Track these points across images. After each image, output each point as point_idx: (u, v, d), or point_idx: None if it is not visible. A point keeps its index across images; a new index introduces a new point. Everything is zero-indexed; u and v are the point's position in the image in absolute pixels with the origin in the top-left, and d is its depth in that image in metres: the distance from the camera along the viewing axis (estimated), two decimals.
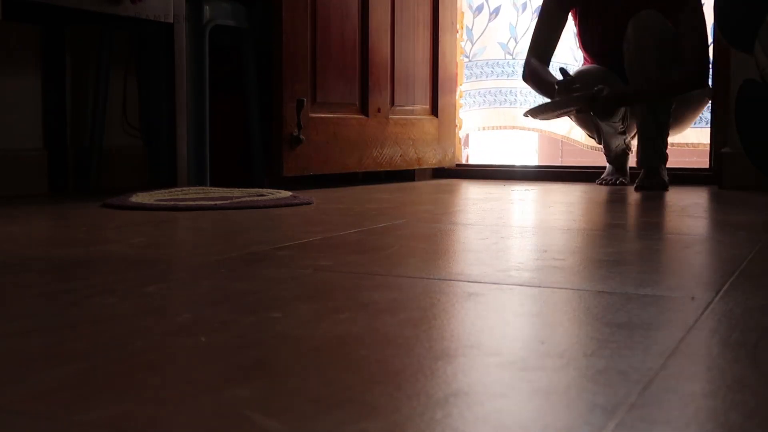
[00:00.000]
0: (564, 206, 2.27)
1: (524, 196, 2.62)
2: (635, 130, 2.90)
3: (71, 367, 0.71)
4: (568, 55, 3.33)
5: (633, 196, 2.62)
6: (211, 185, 2.62)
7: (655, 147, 2.78)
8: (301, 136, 2.72)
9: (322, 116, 2.84)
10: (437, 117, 3.36)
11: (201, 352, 0.76)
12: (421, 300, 0.99)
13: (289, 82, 2.70)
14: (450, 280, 1.13)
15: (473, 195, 2.63)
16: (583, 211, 2.12)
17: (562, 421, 0.58)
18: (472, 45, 3.52)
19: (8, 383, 0.66)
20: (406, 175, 3.32)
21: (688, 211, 2.18)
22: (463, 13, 3.52)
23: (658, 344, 0.78)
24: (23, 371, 0.70)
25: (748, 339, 0.80)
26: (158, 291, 1.05)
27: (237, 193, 2.35)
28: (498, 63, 3.46)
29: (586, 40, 2.97)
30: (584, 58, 3.04)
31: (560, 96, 2.69)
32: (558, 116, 2.86)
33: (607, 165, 3.15)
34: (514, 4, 3.46)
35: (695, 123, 3.09)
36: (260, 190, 2.47)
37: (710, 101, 2.95)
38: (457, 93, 3.52)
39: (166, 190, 2.39)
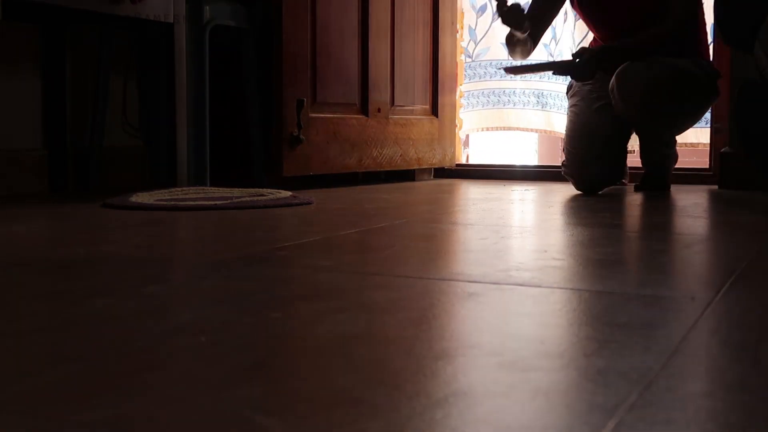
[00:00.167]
0: (564, 206, 2.27)
1: (524, 196, 2.62)
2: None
3: (71, 367, 0.71)
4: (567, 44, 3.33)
5: (633, 196, 2.62)
6: (211, 185, 2.62)
7: (660, 151, 2.79)
8: (301, 136, 2.72)
9: (322, 116, 2.84)
10: (437, 117, 3.36)
11: (201, 352, 0.76)
12: (421, 300, 0.99)
13: (289, 82, 2.69)
14: (450, 280, 1.13)
15: (473, 195, 2.63)
16: (583, 211, 2.12)
17: (563, 421, 0.58)
18: (476, 45, 3.52)
19: (8, 383, 0.66)
20: (406, 175, 3.32)
21: (688, 211, 2.18)
22: (463, 12, 3.52)
23: (659, 344, 0.78)
24: (23, 371, 0.70)
25: (748, 339, 0.80)
26: (158, 291, 1.05)
27: (237, 193, 2.35)
28: (501, 63, 3.46)
29: (595, 24, 2.89)
30: (594, 40, 3.00)
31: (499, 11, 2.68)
32: (537, 73, 2.88)
33: None
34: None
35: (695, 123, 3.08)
36: (260, 190, 2.47)
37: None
38: (458, 93, 3.52)
39: (166, 190, 2.39)
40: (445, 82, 3.38)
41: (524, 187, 2.98)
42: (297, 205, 2.20)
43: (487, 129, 3.57)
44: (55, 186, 2.68)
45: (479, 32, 3.51)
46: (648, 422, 0.57)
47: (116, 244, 1.50)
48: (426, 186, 3.04)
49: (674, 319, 0.89)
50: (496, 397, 0.63)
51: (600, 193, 2.68)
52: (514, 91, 3.48)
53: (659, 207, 2.23)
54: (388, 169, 3.17)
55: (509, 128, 3.58)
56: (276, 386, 0.66)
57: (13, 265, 1.26)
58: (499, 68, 2.86)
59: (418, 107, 3.27)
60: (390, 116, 3.13)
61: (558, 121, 3.41)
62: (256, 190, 2.47)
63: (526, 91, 3.45)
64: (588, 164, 2.64)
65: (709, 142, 3.16)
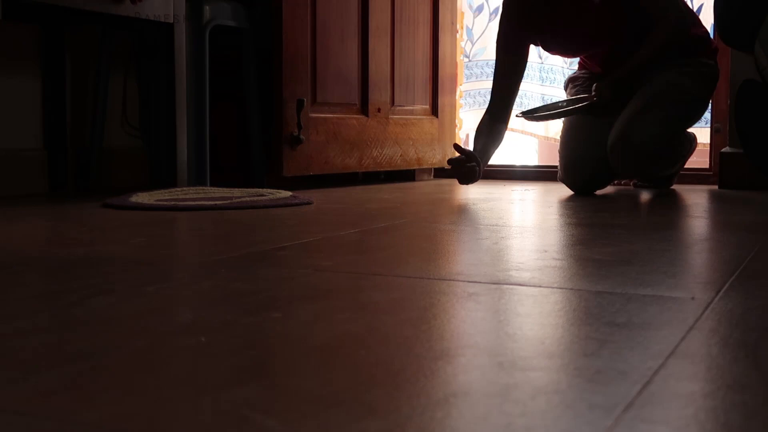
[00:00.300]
0: (564, 206, 2.27)
1: (524, 196, 2.62)
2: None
3: (71, 367, 0.71)
4: (558, 58, 3.32)
5: (633, 195, 2.62)
6: (211, 185, 2.62)
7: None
8: (301, 136, 2.72)
9: (322, 116, 2.84)
10: (437, 117, 3.36)
11: (201, 352, 0.76)
12: (421, 300, 0.99)
13: (289, 82, 2.70)
14: (450, 280, 1.13)
15: (473, 195, 2.63)
16: (583, 211, 2.12)
17: (563, 421, 0.58)
18: (473, 45, 3.52)
19: (8, 383, 0.66)
20: (406, 175, 3.32)
21: (688, 211, 2.18)
22: (463, 13, 3.52)
23: (658, 344, 0.78)
24: (23, 371, 0.70)
25: (748, 339, 0.80)
26: (158, 291, 1.05)
27: (237, 193, 2.35)
28: None
29: (566, 51, 2.87)
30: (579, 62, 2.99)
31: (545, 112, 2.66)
32: (553, 119, 2.83)
33: None
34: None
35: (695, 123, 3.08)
36: (260, 190, 2.47)
37: (710, 102, 2.93)
38: (457, 93, 3.52)
39: (166, 190, 2.39)
40: (445, 82, 3.38)
41: (524, 187, 2.98)
42: (297, 205, 2.20)
43: None
44: (55, 186, 2.68)
45: (476, 32, 3.51)
46: (648, 422, 0.57)
47: (116, 244, 1.50)
48: (426, 186, 3.04)
49: (674, 319, 0.89)
50: (496, 397, 0.63)
51: (598, 192, 2.68)
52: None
53: (659, 207, 2.23)
54: (388, 169, 3.17)
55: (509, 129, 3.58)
56: (276, 386, 0.66)
57: (13, 265, 1.26)
58: (518, 115, 2.79)
59: (418, 107, 3.27)
60: (390, 116, 3.13)
61: (555, 127, 3.40)
62: (256, 190, 2.47)
63: (529, 94, 3.45)
64: (580, 169, 2.64)
65: (708, 142, 3.16)
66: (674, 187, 2.94)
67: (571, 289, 1.06)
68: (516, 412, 0.60)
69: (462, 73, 3.54)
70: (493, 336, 0.84)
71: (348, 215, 2.01)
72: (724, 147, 2.94)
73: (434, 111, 3.35)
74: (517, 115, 2.77)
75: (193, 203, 2.14)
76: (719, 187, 2.91)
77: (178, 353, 0.76)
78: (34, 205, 2.24)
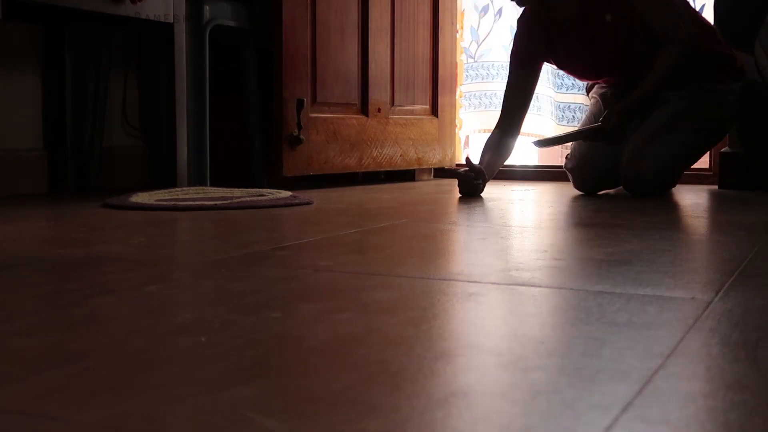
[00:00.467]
0: (564, 206, 2.27)
1: (524, 196, 2.62)
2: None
3: (71, 367, 0.71)
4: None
5: (633, 196, 2.62)
6: (211, 185, 2.62)
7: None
8: (301, 136, 2.72)
9: (322, 116, 2.84)
10: (437, 117, 3.36)
11: (201, 352, 0.76)
12: (421, 300, 0.99)
13: (289, 82, 2.69)
14: (450, 280, 1.13)
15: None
16: (583, 211, 2.12)
17: (562, 421, 0.58)
18: (478, 46, 3.51)
19: (8, 383, 0.66)
20: (406, 175, 3.32)
21: (688, 211, 2.18)
22: (463, 12, 3.52)
23: (658, 344, 0.78)
24: (23, 371, 0.70)
25: (748, 339, 0.80)
26: (158, 291, 1.05)
27: (237, 193, 2.35)
28: (503, 65, 3.45)
29: (579, 72, 2.86)
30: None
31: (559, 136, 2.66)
32: (562, 144, 2.82)
33: None
34: (516, 6, 3.44)
35: None
36: (260, 190, 2.47)
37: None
38: (457, 93, 3.51)
39: (166, 190, 2.39)
40: (445, 82, 3.38)
41: (524, 187, 2.98)
42: (297, 205, 2.20)
43: (487, 131, 3.56)
44: (55, 186, 2.68)
45: (482, 33, 3.50)
46: (647, 422, 0.57)
47: (116, 244, 1.50)
48: (426, 186, 3.04)
49: (674, 319, 0.89)
50: (496, 397, 0.63)
51: (599, 193, 2.68)
52: None
53: (659, 207, 2.23)
54: (388, 169, 3.17)
55: None
56: (276, 386, 0.66)
57: (13, 265, 1.26)
58: (533, 143, 2.76)
59: (418, 107, 3.27)
60: (390, 116, 3.13)
61: (557, 130, 3.38)
62: (256, 190, 2.47)
63: (538, 96, 3.43)
64: (592, 167, 2.64)
65: None
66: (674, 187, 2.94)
67: (571, 289, 1.06)
68: (516, 412, 0.60)
69: (462, 73, 3.53)
70: (493, 336, 0.84)
71: (348, 215, 2.01)
72: (724, 147, 2.94)
73: (434, 111, 3.35)
74: (533, 143, 2.75)
75: (193, 203, 2.14)
76: (719, 187, 2.90)
77: (178, 353, 0.76)
78: (34, 205, 2.24)
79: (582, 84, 3.18)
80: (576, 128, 2.81)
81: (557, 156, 2.78)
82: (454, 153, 3.47)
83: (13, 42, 2.57)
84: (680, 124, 2.57)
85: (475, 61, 3.51)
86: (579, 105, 3.32)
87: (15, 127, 2.59)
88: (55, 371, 0.70)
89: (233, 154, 2.99)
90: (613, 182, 2.68)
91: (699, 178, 3.13)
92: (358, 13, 2.97)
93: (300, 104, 2.71)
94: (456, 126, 3.51)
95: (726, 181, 2.90)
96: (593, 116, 2.75)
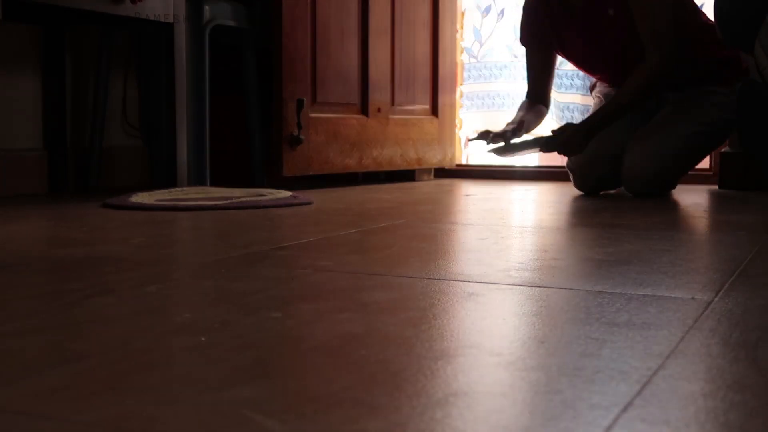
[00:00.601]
0: (564, 206, 2.27)
1: (524, 196, 2.62)
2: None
3: (71, 367, 0.71)
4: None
5: (633, 196, 2.62)
6: (211, 185, 2.62)
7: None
8: (301, 136, 2.72)
9: (322, 116, 2.84)
10: (437, 117, 3.36)
11: (201, 352, 0.76)
12: (421, 300, 0.99)
13: (289, 82, 2.69)
14: (450, 280, 1.13)
15: (473, 195, 2.63)
16: (583, 211, 2.12)
17: (562, 421, 0.58)
18: (481, 46, 3.50)
19: (8, 383, 0.66)
20: (406, 176, 3.32)
21: (688, 211, 2.18)
22: (463, 12, 3.52)
23: (658, 344, 0.78)
24: (23, 371, 0.70)
25: (748, 339, 0.80)
26: (158, 291, 1.05)
27: (237, 193, 2.35)
28: (506, 66, 3.45)
29: (581, 62, 2.85)
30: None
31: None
32: (522, 155, 2.81)
33: None
34: (518, 6, 3.44)
35: None
36: (260, 190, 2.47)
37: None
38: (458, 93, 3.51)
39: (166, 190, 2.39)
40: (445, 82, 3.37)
41: (524, 187, 2.98)
42: (297, 205, 2.20)
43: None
44: (55, 186, 2.68)
45: (484, 33, 3.50)
46: (647, 422, 0.57)
47: (116, 244, 1.50)
48: (426, 186, 3.04)
49: (674, 319, 0.89)
50: (496, 397, 0.63)
51: (600, 193, 2.68)
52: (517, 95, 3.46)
53: (659, 207, 2.23)
54: (388, 169, 3.17)
55: None
56: (276, 386, 0.66)
57: (13, 265, 1.26)
58: (489, 151, 2.75)
59: (418, 107, 3.27)
60: (390, 116, 3.13)
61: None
62: (256, 190, 2.47)
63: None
64: (593, 166, 2.64)
65: None
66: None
67: (571, 289, 1.06)
68: (516, 412, 0.60)
69: (462, 73, 3.53)
70: (493, 336, 0.84)
71: (348, 215, 2.01)
72: (724, 147, 2.94)
73: (434, 111, 3.35)
74: (488, 152, 2.73)
75: (193, 203, 2.14)
76: (719, 187, 2.90)
77: (178, 353, 0.76)
78: (34, 205, 2.24)
79: (582, 84, 3.19)
80: (534, 137, 2.80)
81: (557, 156, 2.78)
82: (454, 153, 3.47)
83: (13, 42, 2.57)
84: (682, 126, 2.58)
85: (478, 61, 3.51)
86: (577, 105, 3.32)
87: (15, 127, 2.59)
88: (55, 371, 0.70)
89: (233, 154, 2.99)
90: (613, 182, 2.67)
91: (699, 178, 3.13)
92: (358, 13, 2.97)
93: (300, 104, 2.71)
94: (456, 126, 3.51)
95: (726, 181, 2.90)
96: None
